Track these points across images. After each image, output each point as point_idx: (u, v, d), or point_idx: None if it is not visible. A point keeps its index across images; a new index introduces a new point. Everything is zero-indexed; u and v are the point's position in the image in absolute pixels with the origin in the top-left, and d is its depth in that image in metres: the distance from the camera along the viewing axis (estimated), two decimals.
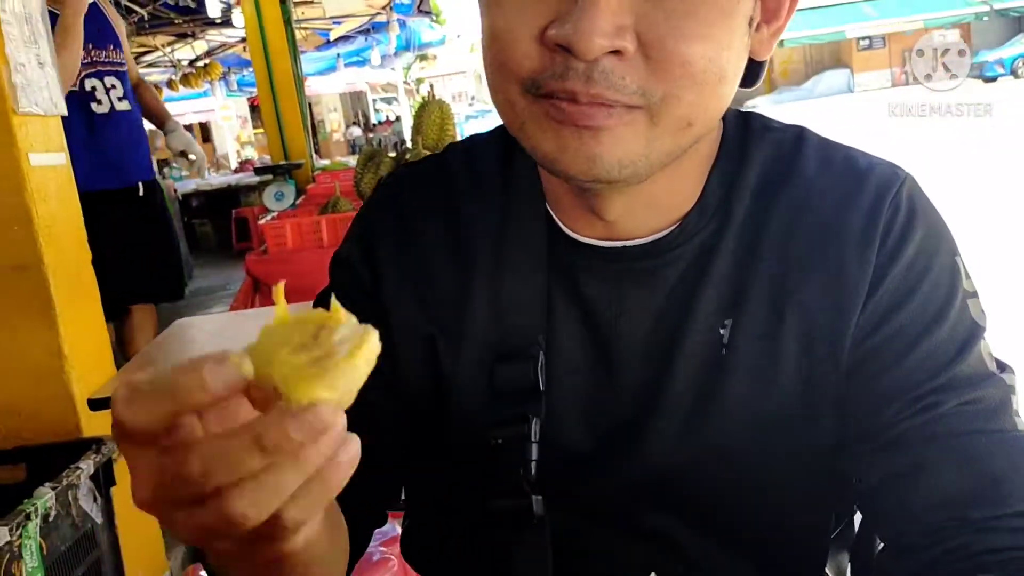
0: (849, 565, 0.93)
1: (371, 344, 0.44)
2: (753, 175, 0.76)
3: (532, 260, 0.77)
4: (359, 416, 0.78)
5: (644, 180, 0.67)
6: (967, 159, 8.18)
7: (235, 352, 0.43)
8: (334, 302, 0.45)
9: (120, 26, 3.57)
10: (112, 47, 3.41)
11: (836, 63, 26.70)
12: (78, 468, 1.81)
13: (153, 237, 3.63)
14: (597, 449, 0.77)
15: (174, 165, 9.54)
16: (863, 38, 24.80)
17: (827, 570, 0.87)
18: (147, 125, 3.81)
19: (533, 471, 0.74)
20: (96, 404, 1.47)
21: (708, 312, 0.74)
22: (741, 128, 0.79)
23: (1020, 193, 6.87)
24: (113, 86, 3.39)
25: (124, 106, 3.43)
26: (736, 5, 0.63)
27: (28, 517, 1.60)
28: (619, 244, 0.76)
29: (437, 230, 0.81)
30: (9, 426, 2.04)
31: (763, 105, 20.98)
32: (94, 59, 3.31)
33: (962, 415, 0.69)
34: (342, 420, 0.43)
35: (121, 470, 2.02)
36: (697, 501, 0.77)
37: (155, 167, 3.62)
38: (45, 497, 1.67)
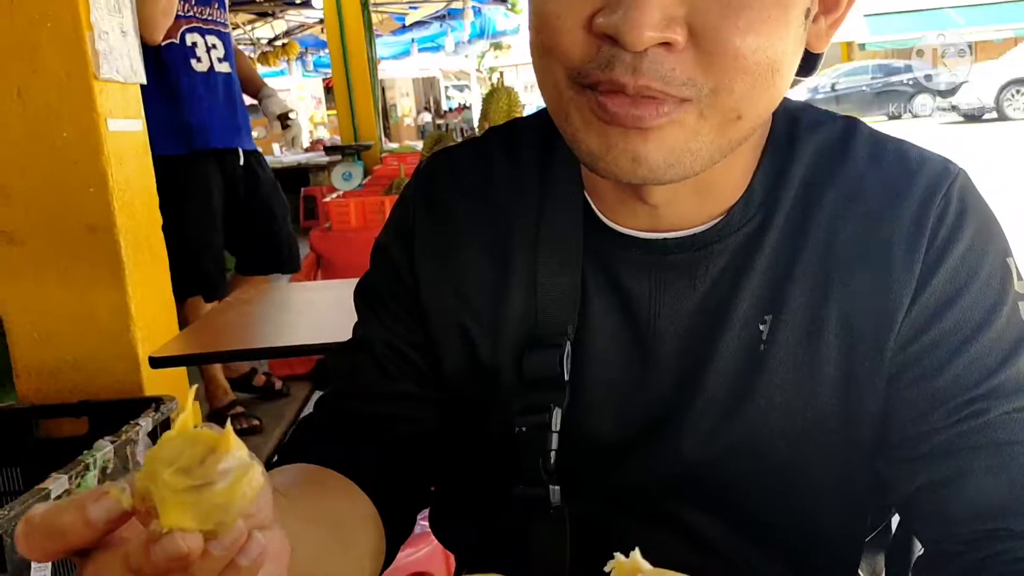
0: (885, 568, 0.92)
1: (251, 479, 0.43)
2: (801, 168, 0.74)
3: (568, 250, 0.76)
4: (397, 408, 0.81)
5: (690, 178, 0.65)
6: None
7: (117, 485, 0.43)
8: (228, 428, 0.44)
9: None
10: (216, 6, 3.24)
11: None
12: (137, 424, 1.87)
13: (261, 207, 3.37)
14: (627, 441, 0.76)
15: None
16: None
17: (860, 571, 0.85)
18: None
19: (552, 460, 0.73)
20: (156, 362, 1.52)
21: (748, 307, 0.72)
22: (791, 120, 0.77)
23: None
24: (214, 46, 3.19)
25: (224, 68, 3.22)
26: None
27: (87, 468, 1.66)
28: (660, 236, 0.74)
29: (474, 217, 0.80)
30: (75, 381, 2.12)
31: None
32: (196, 15, 3.14)
33: (1008, 423, 0.67)
34: (233, 537, 0.43)
35: None
36: (728, 497, 0.76)
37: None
38: (104, 450, 1.73)
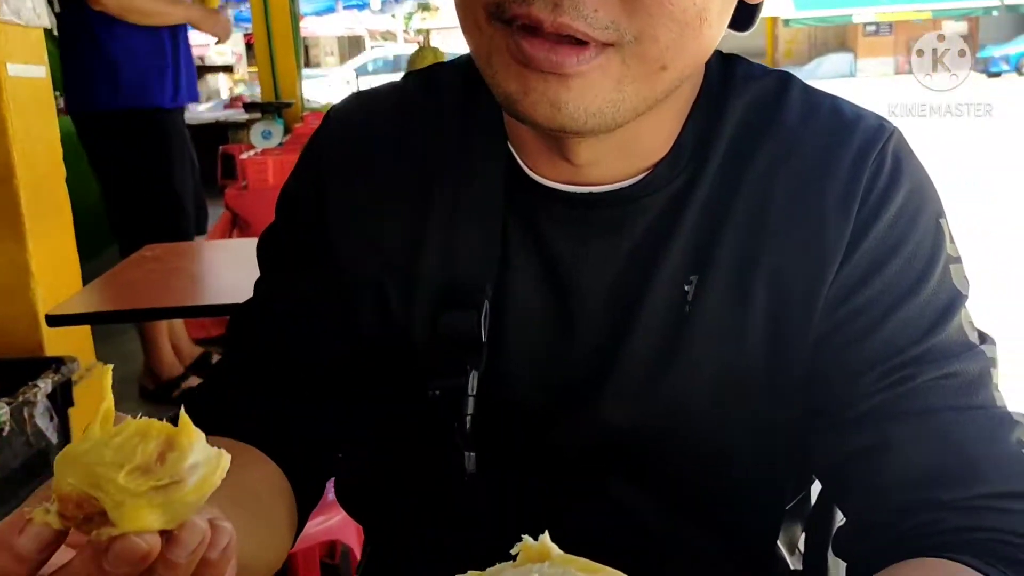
0: (803, 537, 0.92)
1: (222, 471, 0.41)
2: (731, 124, 0.72)
3: (488, 202, 0.73)
4: (304, 368, 0.77)
5: (613, 130, 0.63)
6: (967, 159, 8.13)
7: (38, 507, 0.40)
8: (183, 416, 0.41)
9: None
10: None
11: (840, 47, 26.56)
12: (36, 386, 1.79)
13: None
14: (549, 405, 0.73)
15: None
16: (870, 24, 24.64)
17: (778, 542, 0.85)
18: None
19: (468, 425, 0.71)
20: (54, 321, 1.44)
21: (674, 266, 0.70)
22: (722, 74, 0.74)
23: (1020, 193, 6.85)
24: None
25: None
26: None
27: None
28: (584, 190, 0.71)
29: (389, 165, 0.76)
30: None
31: None
32: None
33: (937, 389, 0.66)
34: (194, 531, 0.40)
35: (80, 392, 2.01)
36: (651, 465, 0.74)
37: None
38: (0, 411, 1.65)
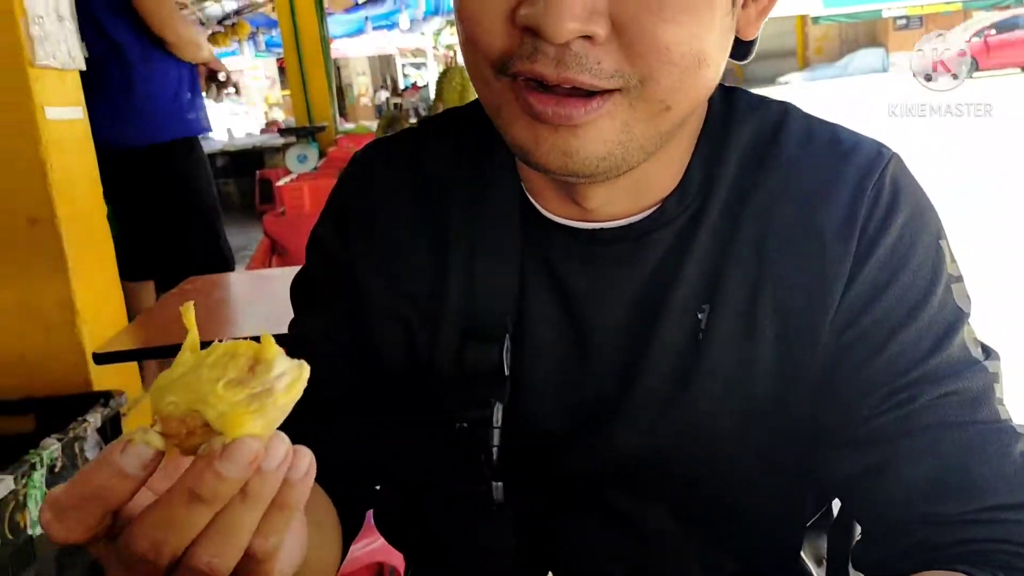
0: (826, 551, 0.92)
1: (305, 376, 0.44)
2: (735, 155, 0.74)
3: (505, 240, 0.75)
4: (340, 404, 0.79)
5: (624, 172, 0.65)
6: (968, 158, 7.99)
7: (136, 430, 0.42)
8: (265, 335, 0.44)
9: None
10: None
11: (871, 42, 26.29)
12: (85, 421, 1.83)
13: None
14: (569, 433, 0.76)
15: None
16: (900, 17, 24.35)
17: (803, 555, 0.85)
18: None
19: (495, 456, 0.73)
20: (101, 359, 1.48)
21: (686, 297, 0.72)
22: (725, 107, 0.76)
23: (1020, 193, 6.72)
24: None
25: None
26: None
27: (33, 467, 1.62)
28: (596, 226, 0.74)
29: (410, 209, 0.79)
30: (19, 377, 2.07)
31: (796, 82, 20.65)
32: None
33: (940, 407, 0.67)
34: (282, 443, 0.42)
35: (129, 424, 2.04)
36: (669, 487, 0.76)
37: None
38: (51, 448, 1.69)
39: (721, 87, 0.74)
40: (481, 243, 0.76)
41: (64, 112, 2.08)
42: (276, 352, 0.44)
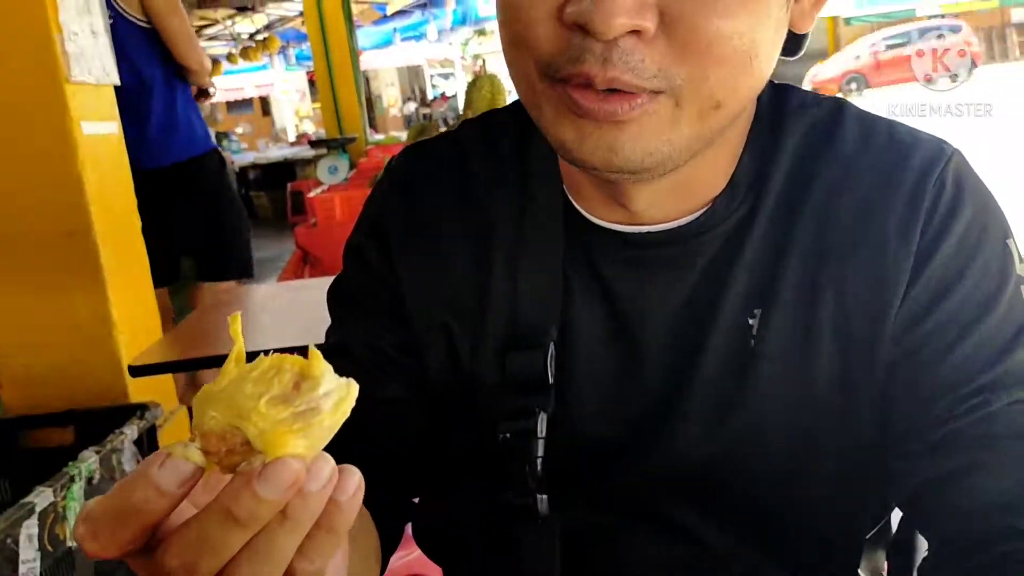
0: (886, 564, 0.89)
1: (352, 397, 0.42)
2: (787, 154, 0.71)
3: (548, 245, 0.73)
4: (382, 414, 0.78)
5: (670, 170, 0.63)
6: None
7: (176, 444, 0.40)
8: (313, 350, 0.42)
9: None
10: None
11: None
12: (122, 433, 1.84)
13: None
14: (618, 442, 0.73)
15: (233, 137, 9.66)
16: (934, 16, 24.09)
17: (861, 571, 0.83)
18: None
19: (539, 468, 0.70)
20: (136, 371, 1.49)
21: (737, 301, 0.70)
22: (776, 104, 0.73)
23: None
24: None
25: None
26: None
27: (72, 480, 1.63)
28: (642, 229, 0.71)
29: (452, 215, 0.77)
30: (59, 389, 2.09)
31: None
32: None
33: (1014, 414, 0.64)
34: (327, 464, 0.40)
35: (165, 437, 2.06)
36: (724, 496, 0.73)
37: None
38: (89, 460, 1.70)
39: (771, 84, 0.72)
40: (524, 248, 0.74)
41: (100, 127, 2.10)
42: (324, 369, 0.42)
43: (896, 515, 0.84)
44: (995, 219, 0.69)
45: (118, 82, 2.21)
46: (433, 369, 0.77)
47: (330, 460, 0.41)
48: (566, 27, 0.58)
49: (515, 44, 0.62)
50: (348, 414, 0.42)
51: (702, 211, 0.71)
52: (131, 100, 2.76)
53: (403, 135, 8.37)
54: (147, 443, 1.94)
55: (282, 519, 0.39)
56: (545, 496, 0.71)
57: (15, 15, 1.94)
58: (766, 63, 0.61)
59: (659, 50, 0.57)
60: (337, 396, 0.41)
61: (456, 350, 0.76)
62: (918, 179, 0.68)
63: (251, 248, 3.26)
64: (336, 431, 0.41)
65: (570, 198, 0.74)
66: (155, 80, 2.94)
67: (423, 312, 0.77)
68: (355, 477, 0.42)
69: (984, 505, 0.63)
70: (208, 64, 3.12)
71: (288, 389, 0.41)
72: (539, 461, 0.70)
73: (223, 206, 3.15)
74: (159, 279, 3.01)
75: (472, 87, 3.68)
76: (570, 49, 0.58)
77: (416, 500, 0.86)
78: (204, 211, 3.09)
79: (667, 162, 0.61)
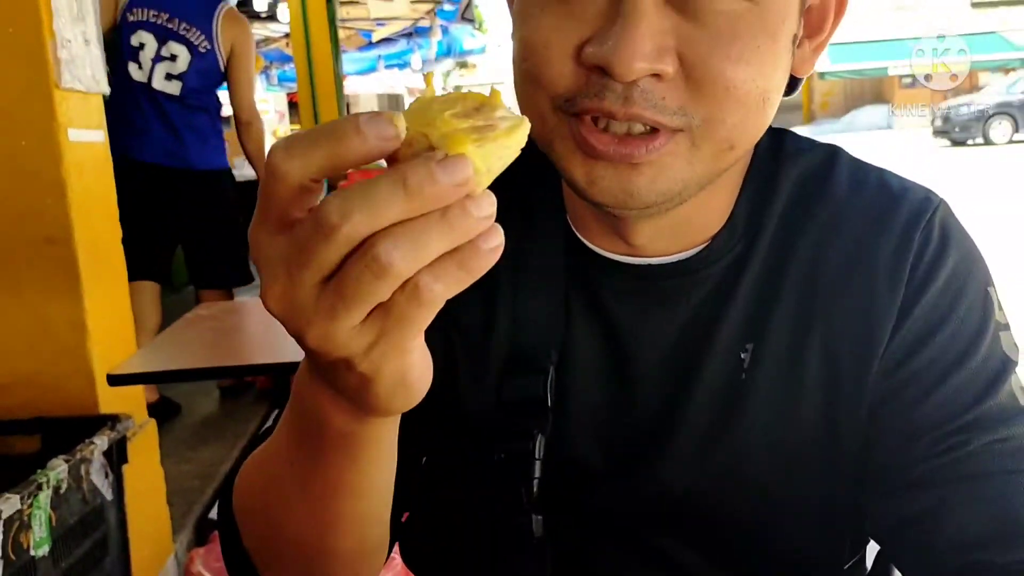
0: None
1: (524, 131, 0.44)
2: (783, 196, 0.74)
3: (551, 272, 0.75)
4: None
5: (676, 206, 0.65)
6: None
7: (390, 112, 0.43)
8: (494, 89, 0.44)
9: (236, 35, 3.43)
10: (194, 28, 3.23)
11: (877, 98, 26.55)
12: (92, 443, 1.82)
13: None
14: (609, 467, 0.75)
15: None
16: (906, 76, 24.62)
17: None
18: None
19: (535, 489, 0.72)
20: (115, 380, 1.48)
21: (730, 335, 0.72)
22: (772, 147, 0.76)
23: None
24: (172, 56, 3.19)
25: (172, 89, 3.23)
26: (781, 26, 0.61)
27: (40, 488, 1.60)
28: (643, 261, 0.73)
29: None
30: (28, 396, 2.06)
31: None
32: (157, 22, 3.18)
33: (990, 454, 0.67)
34: (490, 201, 0.42)
35: (134, 449, 2.03)
36: (708, 526, 0.75)
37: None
38: (57, 469, 1.67)
39: (768, 128, 0.75)
40: (528, 275, 0.76)
41: (86, 135, 2.09)
42: (501, 101, 0.45)
43: (872, 548, 0.86)
44: (978, 267, 0.72)
45: (107, 91, 2.20)
46: (432, 387, 0.77)
47: (493, 200, 0.42)
48: (584, 67, 0.59)
49: (530, 79, 0.63)
50: (521, 144, 0.44)
51: (702, 247, 0.73)
52: (187, 112, 3.29)
53: (383, 162, 8.37)
54: (116, 454, 1.92)
55: (441, 216, 0.40)
56: (540, 518, 0.72)
57: (8, 20, 1.93)
58: (774, 106, 0.64)
59: (678, 90, 0.59)
60: (511, 121, 0.44)
61: (456, 368, 0.77)
62: (906, 227, 0.71)
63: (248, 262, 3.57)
64: (506, 163, 0.44)
65: (572, 228, 0.76)
66: (211, 104, 3.45)
67: (427, 332, 0.77)
68: (500, 235, 0.43)
69: (957, 541, 0.65)
70: (256, 123, 3.58)
71: (470, 109, 0.44)
72: (535, 482, 0.71)
73: (234, 215, 3.51)
74: (151, 273, 3.30)
75: None
76: (589, 86, 0.59)
77: (403, 519, 0.86)
78: (217, 219, 3.45)
79: (676, 199, 0.63)
